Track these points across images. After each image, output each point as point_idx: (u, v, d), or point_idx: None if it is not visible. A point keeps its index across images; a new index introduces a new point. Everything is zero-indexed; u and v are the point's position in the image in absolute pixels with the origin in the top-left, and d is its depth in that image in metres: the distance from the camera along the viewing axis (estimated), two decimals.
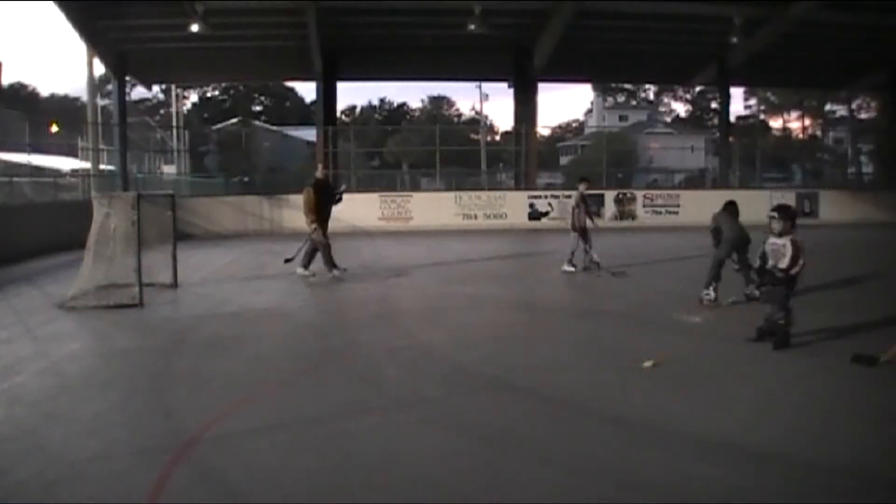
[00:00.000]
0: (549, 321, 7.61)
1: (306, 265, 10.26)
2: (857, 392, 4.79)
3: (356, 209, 19.48)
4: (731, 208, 8.31)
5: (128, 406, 4.68)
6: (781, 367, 5.40)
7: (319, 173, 10.73)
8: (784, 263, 5.60)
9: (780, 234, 5.67)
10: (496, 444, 3.87)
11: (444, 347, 6.19)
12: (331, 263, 10.07)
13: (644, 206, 20.53)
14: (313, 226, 9.98)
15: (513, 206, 20.10)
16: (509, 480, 3.39)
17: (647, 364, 5.20)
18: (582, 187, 10.98)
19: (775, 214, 5.73)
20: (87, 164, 20.85)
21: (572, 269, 10.62)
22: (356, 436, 4.00)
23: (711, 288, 7.89)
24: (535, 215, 19.99)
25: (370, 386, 5.00)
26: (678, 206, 20.46)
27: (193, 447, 3.82)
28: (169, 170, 27.89)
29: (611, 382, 5.05)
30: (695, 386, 4.91)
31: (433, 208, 19.85)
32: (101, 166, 21.07)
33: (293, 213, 19.22)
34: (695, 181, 31.13)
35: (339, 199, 10.79)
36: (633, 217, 20.31)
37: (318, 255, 10.12)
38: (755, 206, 19.60)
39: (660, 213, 20.47)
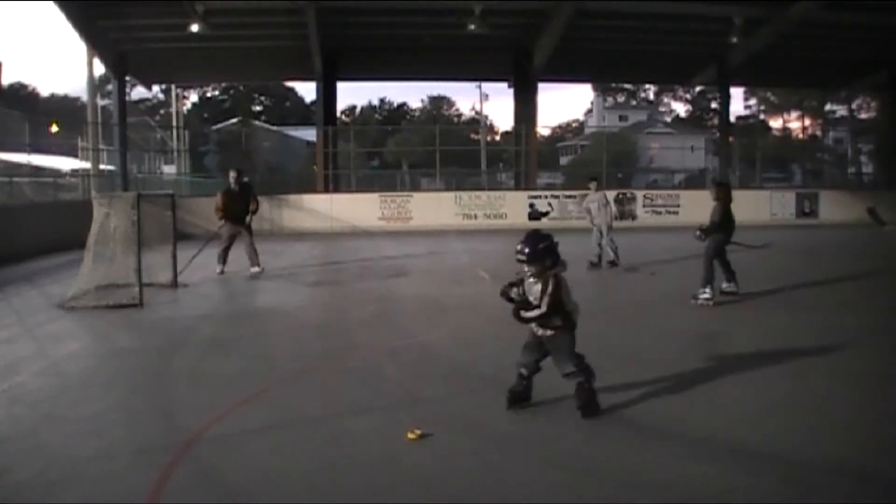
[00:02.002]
0: None
1: (256, 263, 10.54)
2: (857, 392, 4.78)
3: (356, 209, 19.53)
4: (720, 192, 8.16)
5: (128, 406, 4.68)
6: (781, 367, 5.39)
7: (231, 179, 10.88)
8: (537, 301, 4.22)
9: (535, 277, 4.27)
10: (496, 443, 3.87)
11: (444, 347, 6.19)
12: (222, 258, 10.58)
13: (644, 206, 20.54)
14: (220, 222, 10.61)
15: (513, 206, 20.11)
16: (509, 480, 3.39)
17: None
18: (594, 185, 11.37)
19: (522, 258, 4.22)
20: (87, 164, 20.84)
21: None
22: (356, 436, 4.00)
23: (708, 288, 7.89)
24: (535, 215, 19.99)
25: (370, 386, 4.99)
26: (678, 206, 20.46)
27: (193, 447, 3.82)
28: (169, 170, 27.90)
29: (609, 382, 5.04)
30: (695, 386, 4.90)
31: (433, 208, 19.85)
32: (101, 166, 21.07)
33: (293, 213, 19.28)
34: (695, 181, 31.11)
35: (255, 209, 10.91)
36: (633, 217, 20.31)
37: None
38: (755, 206, 19.96)
39: (660, 213, 20.48)
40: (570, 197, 20.25)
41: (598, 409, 4.24)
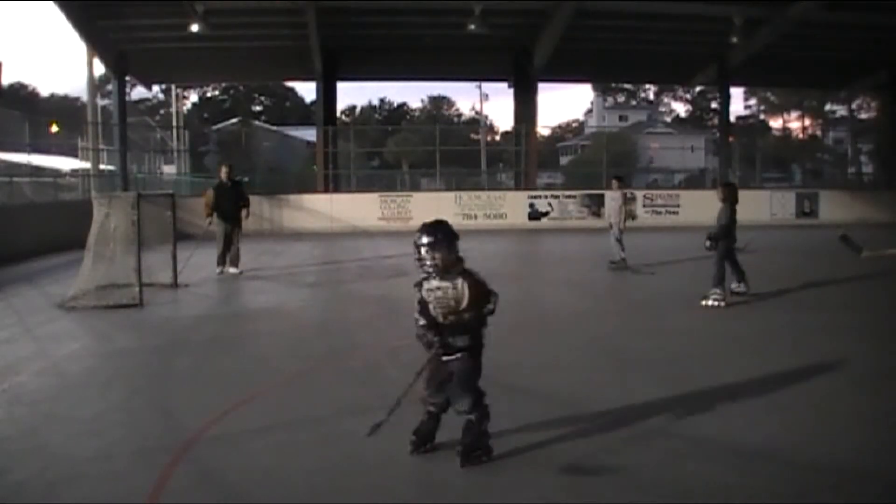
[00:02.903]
0: (549, 321, 7.60)
1: (235, 264, 10.56)
2: (857, 392, 4.78)
3: (356, 209, 19.52)
4: (729, 192, 8.16)
5: (128, 406, 4.68)
6: (781, 367, 5.39)
7: (223, 175, 10.81)
8: (465, 305, 3.48)
9: (441, 275, 3.47)
10: (495, 444, 3.87)
11: None
12: (221, 260, 10.49)
13: (644, 206, 20.52)
14: (208, 219, 10.53)
15: (513, 206, 20.10)
16: (509, 480, 3.39)
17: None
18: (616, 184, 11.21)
19: (423, 242, 3.43)
20: (87, 164, 20.84)
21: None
22: (356, 436, 4.00)
23: (719, 289, 7.86)
24: (535, 215, 19.99)
25: (370, 386, 4.99)
26: (678, 206, 20.45)
27: (193, 447, 3.82)
28: (169, 170, 27.90)
29: (610, 382, 5.05)
30: (695, 386, 4.91)
31: (433, 208, 19.75)
32: (101, 166, 21.06)
33: (293, 213, 19.27)
34: (695, 181, 31.14)
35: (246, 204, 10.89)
36: (633, 217, 20.25)
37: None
38: (755, 206, 19.94)
39: (660, 213, 20.47)
40: (570, 197, 20.25)
41: (489, 453, 3.51)
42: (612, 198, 11.20)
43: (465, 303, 3.44)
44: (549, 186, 28.04)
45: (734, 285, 8.14)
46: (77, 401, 4.77)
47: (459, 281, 3.46)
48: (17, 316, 7.83)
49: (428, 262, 3.43)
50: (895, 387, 4.98)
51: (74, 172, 20.96)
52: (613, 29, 21.01)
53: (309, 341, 6.61)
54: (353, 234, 18.18)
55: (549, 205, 20.18)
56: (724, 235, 7.93)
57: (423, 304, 3.54)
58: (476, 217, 19.80)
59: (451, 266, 3.46)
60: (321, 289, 9.93)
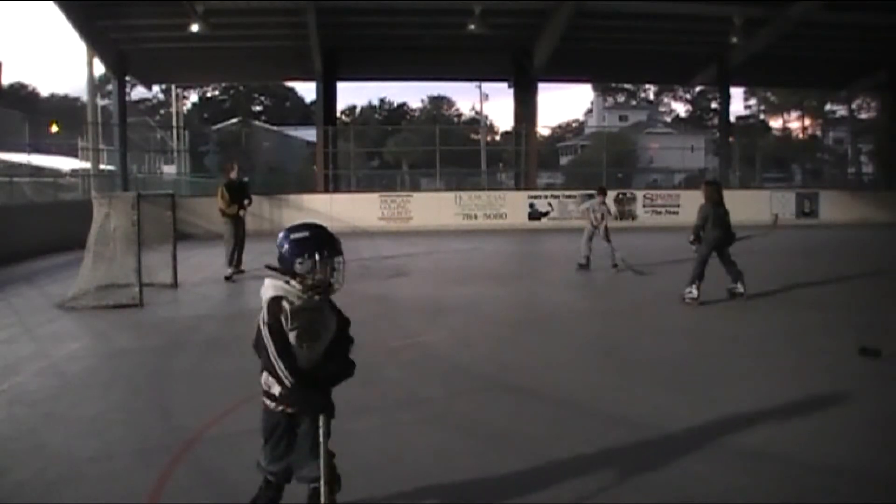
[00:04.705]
0: (550, 321, 7.60)
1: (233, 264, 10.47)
2: (857, 391, 4.78)
3: (356, 209, 19.51)
4: (712, 192, 8.19)
5: (128, 406, 4.68)
6: (781, 366, 5.40)
7: (233, 174, 10.77)
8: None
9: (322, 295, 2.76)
10: (496, 443, 3.87)
11: (445, 347, 6.19)
12: (237, 260, 10.34)
13: (644, 206, 20.53)
14: (238, 209, 10.33)
15: (513, 206, 20.10)
16: (509, 480, 3.39)
17: None
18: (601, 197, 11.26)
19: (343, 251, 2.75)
20: (87, 164, 20.85)
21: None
22: (356, 436, 4.00)
23: (694, 286, 7.89)
24: (535, 215, 20.00)
25: (370, 386, 4.99)
26: (678, 206, 20.44)
27: (193, 447, 3.82)
28: (169, 170, 27.90)
29: (610, 381, 5.05)
30: (695, 386, 4.91)
31: (433, 208, 19.84)
32: (101, 166, 21.07)
33: (293, 213, 19.24)
34: (695, 181, 31.09)
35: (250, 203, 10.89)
36: (633, 217, 20.31)
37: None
38: (755, 206, 19.94)
39: (660, 213, 20.47)
40: (570, 197, 20.25)
41: None
42: (599, 203, 11.21)
43: (329, 335, 2.76)
44: (549, 186, 28.02)
45: (731, 286, 8.15)
46: (77, 401, 4.77)
47: (328, 305, 2.80)
48: (17, 316, 7.82)
49: (333, 277, 2.69)
50: (895, 387, 4.98)
51: (74, 172, 20.97)
52: (613, 29, 21.01)
53: None
54: (352, 234, 18.16)
55: (549, 205, 20.18)
56: (711, 233, 7.93)
57: (279, 333, 2.62)
58: (476, 217, 19.80)
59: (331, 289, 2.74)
60: None
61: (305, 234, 2.69)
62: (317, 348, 2.69)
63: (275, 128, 45.84)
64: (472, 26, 18.90)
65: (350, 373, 2.82)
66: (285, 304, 2.59)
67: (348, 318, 2.83)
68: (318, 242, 2.69)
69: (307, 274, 2.62)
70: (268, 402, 2.79)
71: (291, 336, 2.61)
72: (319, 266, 2.63)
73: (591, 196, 11.73)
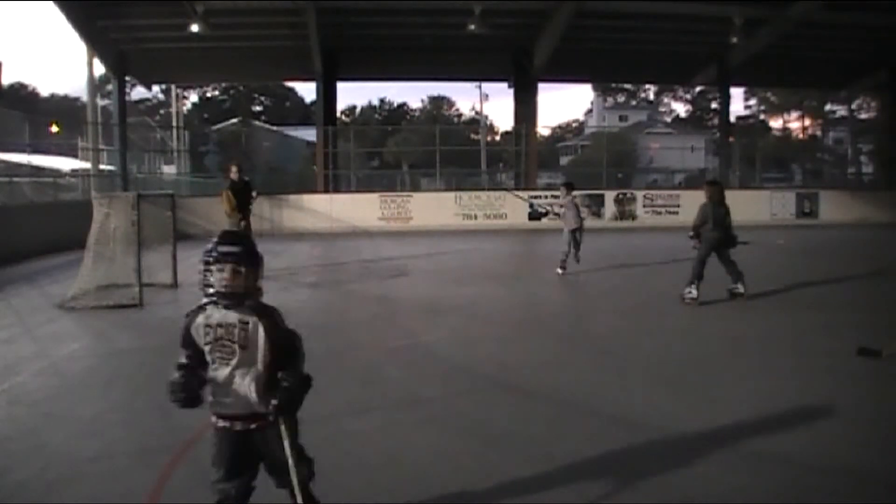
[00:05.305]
0: (549, 321, 7.60)
1: None
2: (858, 391, 4.78)
3: (356, 209, 19.51)
4: (713, 191, 8.21)
5: (128, 406, 4.68)
6: (781, 366, 5.39)
7: (234, 174, 10.85)
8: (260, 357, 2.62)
9: (234, 305, 2.61)
10: (496, 443, 3.87)
11: (445, 347, 6.19)
12: None
13: (644, 206, 20.53)
14: (242, 223, 10.45)
15: (513, 206, 20.09)
16: (509, 480, 3.39)
17: None
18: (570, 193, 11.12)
19: (229, 251, 2.58)
20: (87, 164, 20.84)
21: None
22: (356, 436, 4.00)
23: (694, 286, 7.89)
24: (535, 215, 19.98)
25: (370, 386, 4.99)
26: (678, 206, 20.44)
27: (193, 447, 3.82)
28: (169, 170, 27.87)
29: (610, 382, 5.05)
30: (695, 386, 4.91)
31: (433, 208, 19.84)
32: (101, 166, 21.07)
33: (293, 213, 19.26)
34: (695, 181, 31.10)
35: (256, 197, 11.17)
36: (633, 217, 20.31)
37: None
38: (755, 206, 19.95)
39: (660, 213, 20.46)
40: (556, 197, 20.23)
41: None
42: (570, 201, 11.09)
43: (259, 354, 2.54)
44: (549, 186, 28.01)
45: (732, 286, 8.15)
46: (77, 401, 4.77)
47: (253, 319, 2.55)
48: (17, 316, 7.83)
49: (225, 282, 2.48)
50: (895, 387, 4.98)
51: (74, 172, 20.96)
52: (613, 29, 21.01)
53: (308, 341, 6.50)
54: (353, 234, 18.17)
55: (550, 205, 20.16)
56: (712, 232, 7.94)
57: (192, 346, 2.53)
58: (476, 217, 19.80)
59: (251, 295, 2.56)
60: (321, 289, 9.92)
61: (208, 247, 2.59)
62: (230, 362, 2.53)
63: (275, 128, 45.79)
64: (472, 26, 18.90)
65: (304, 386, 2.64)
66: (200, 318, 2.54)
67: (291, 331, 2.68)
68: (206, 252, 2.59)
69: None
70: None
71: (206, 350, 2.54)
72: (207, 275, 2.55)
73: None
